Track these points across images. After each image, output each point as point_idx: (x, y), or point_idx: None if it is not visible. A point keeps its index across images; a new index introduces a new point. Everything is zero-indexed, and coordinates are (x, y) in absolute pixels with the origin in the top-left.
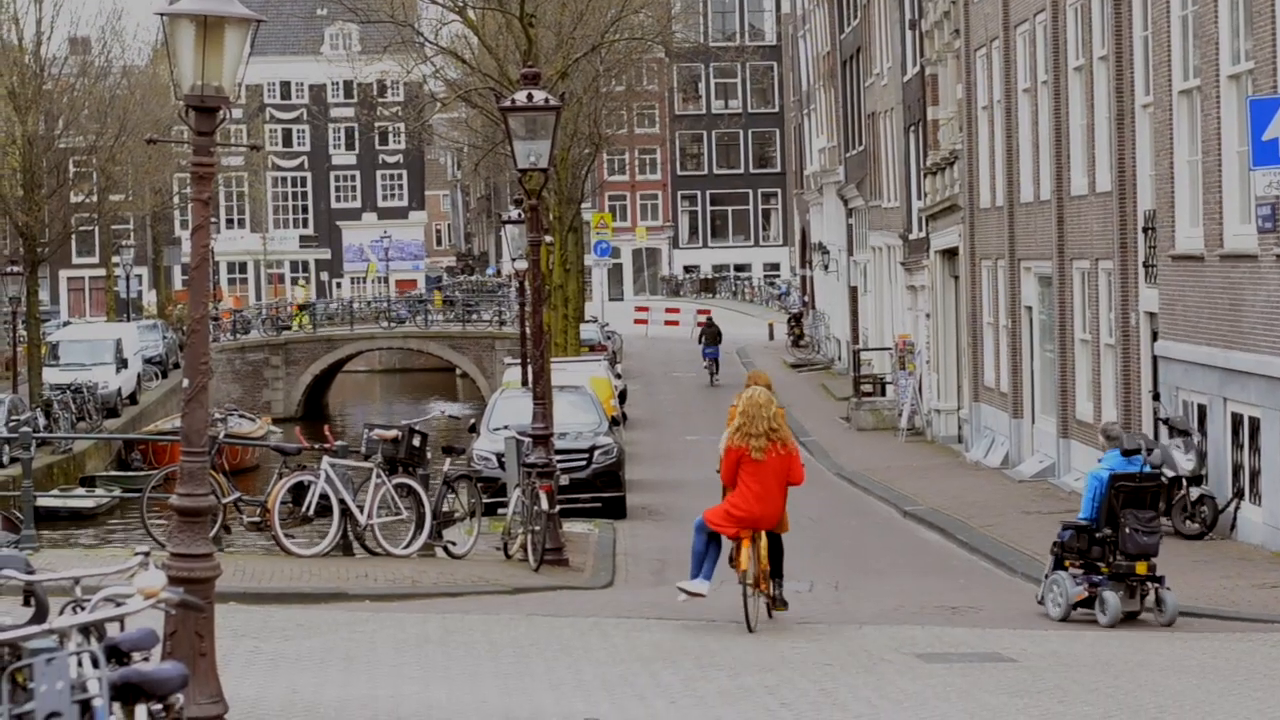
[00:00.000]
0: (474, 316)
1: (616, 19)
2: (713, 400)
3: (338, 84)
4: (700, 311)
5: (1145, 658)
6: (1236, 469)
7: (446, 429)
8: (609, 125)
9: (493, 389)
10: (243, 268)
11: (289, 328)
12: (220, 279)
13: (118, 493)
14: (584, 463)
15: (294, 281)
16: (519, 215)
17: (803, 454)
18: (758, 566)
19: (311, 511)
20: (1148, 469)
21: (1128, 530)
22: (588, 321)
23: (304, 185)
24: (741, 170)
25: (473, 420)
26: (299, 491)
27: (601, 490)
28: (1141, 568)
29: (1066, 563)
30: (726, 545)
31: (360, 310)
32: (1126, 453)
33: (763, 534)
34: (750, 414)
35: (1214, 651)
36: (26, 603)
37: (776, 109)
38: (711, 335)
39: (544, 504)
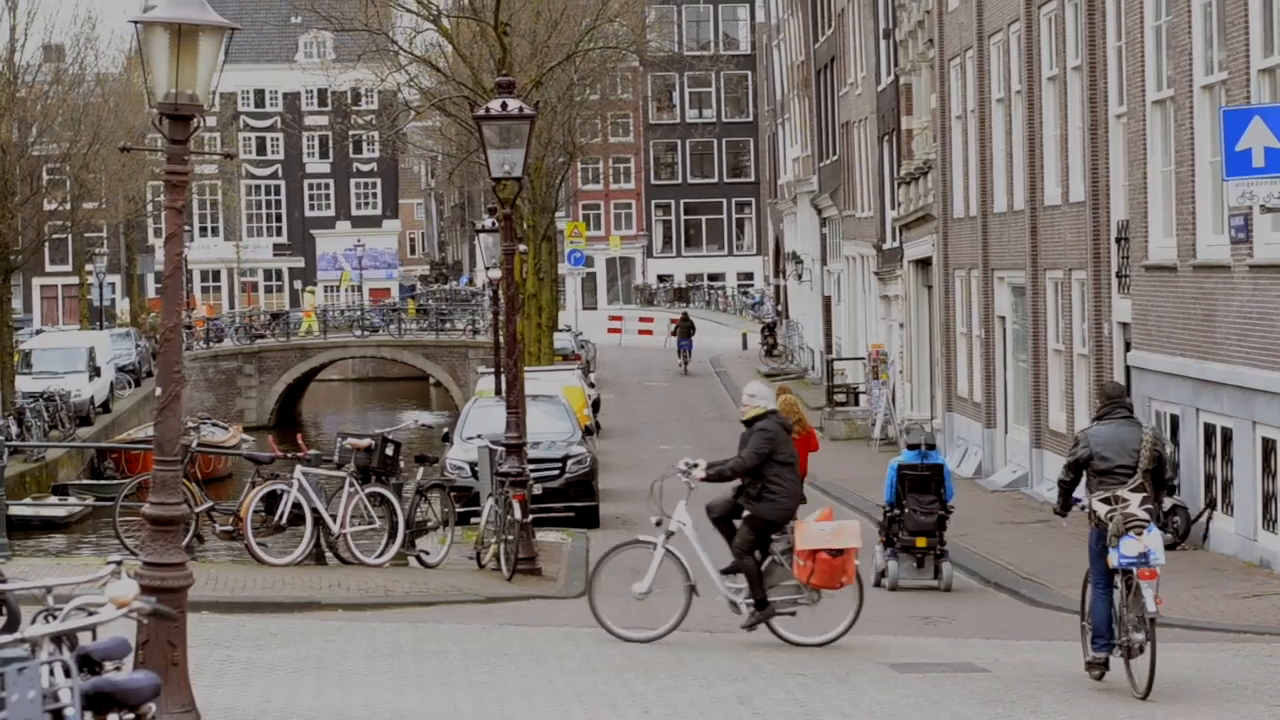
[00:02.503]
0: (447, 325)
1: (591, 28)
2: (686, 405)
3: (312, 92)
4: (672, 320)
5: (1117, 667)
6: (1209, 479)
7: (420, 438)
8: (583, 134)
9: (466, 398)
10: (216, 276)
11: (262, 334)
12: (193, 287)
13: (90, 501)
14: (557, 472)
15: (303, 288)
16: (493, 224)
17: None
18: None
19: (284, 520)
20: (933, 459)
21: (908, 510)
22: (561, 330)
23: (278, 193)
24: (715, 179)
25: (446, 429)
26: (272, 500)
27: (575, 500)
28: (921, 542)
29: (880, 538)
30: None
31: (334, 319)
32: (911, 447)
33: None
34: (786, 410)
35: (1186, 662)
36: None
37: (751, 118)
38: (685, 329)
39: (517, 513)
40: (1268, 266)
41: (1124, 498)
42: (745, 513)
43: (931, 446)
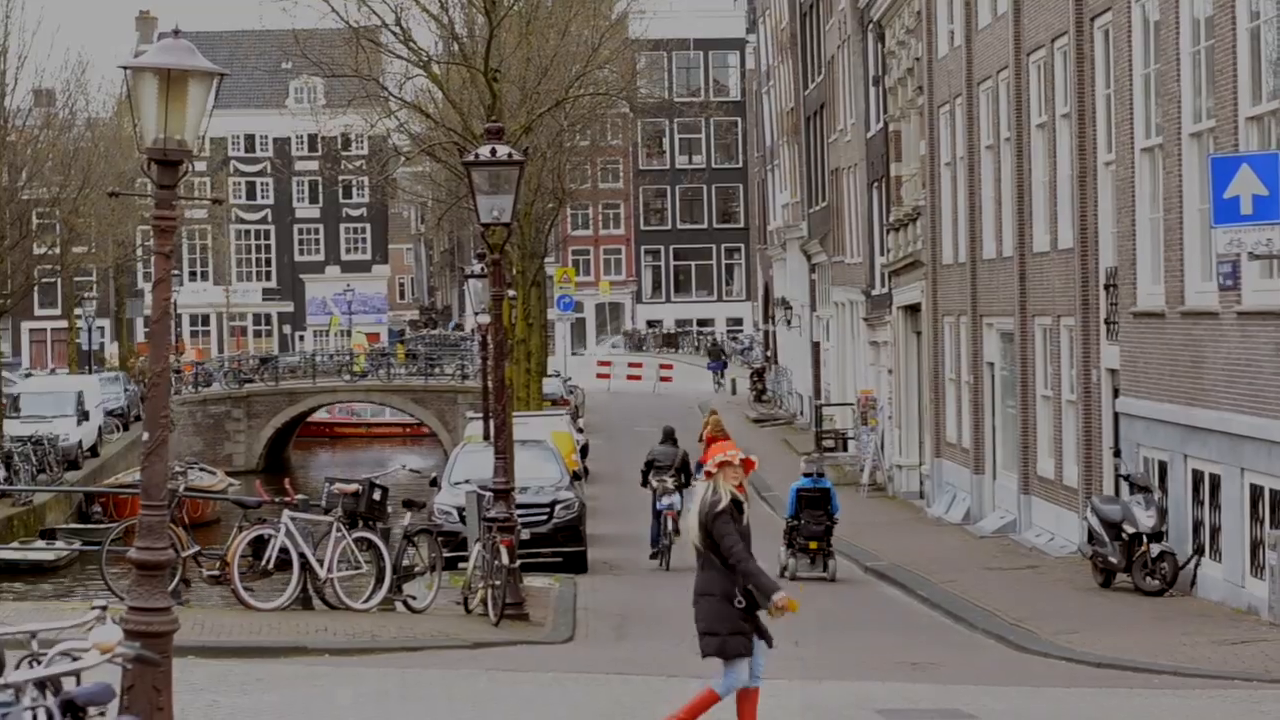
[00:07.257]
0: (436, 370)
1: (581, 74)
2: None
3: (302, 137)
4: (663, 366)
5: (1106, 714)
6: (1197, 526)
7: (407, 483)
8: (573, 180)
9: (454, 443)
10: (205, 320)
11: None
12: (182, 331)
13: (78, 545)
14: (545, 517)
15: (352, 330)
16: (482, 269)
17: (764, 510)
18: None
19: (271, 565)
20: (822, 485)
21: (803, 522)
22: (550, 376)
23: (267, 238)
24: (705, 225)
25: (434, 474)
26: (259, 545)
27: (562, 545)
28: (813, 545)
29: (784, 541)
30: None
31: (322, 363)
32: (807, 474)
33: None
34: (715, 428)
35: (1173, 708)
36: None
37: (740, 164)
38: (715, 353)
39: (504, 558)
40: (1256, 313)
41: (665, 479)
42: None
43: (822, 474)
